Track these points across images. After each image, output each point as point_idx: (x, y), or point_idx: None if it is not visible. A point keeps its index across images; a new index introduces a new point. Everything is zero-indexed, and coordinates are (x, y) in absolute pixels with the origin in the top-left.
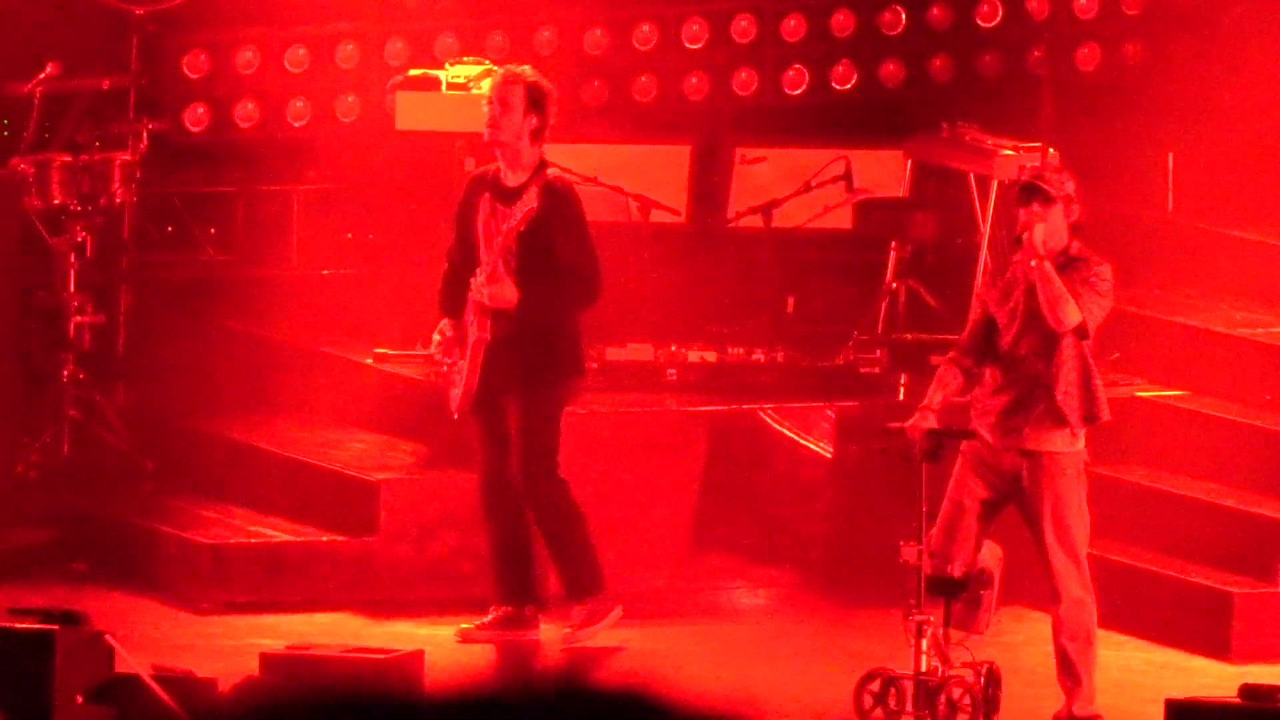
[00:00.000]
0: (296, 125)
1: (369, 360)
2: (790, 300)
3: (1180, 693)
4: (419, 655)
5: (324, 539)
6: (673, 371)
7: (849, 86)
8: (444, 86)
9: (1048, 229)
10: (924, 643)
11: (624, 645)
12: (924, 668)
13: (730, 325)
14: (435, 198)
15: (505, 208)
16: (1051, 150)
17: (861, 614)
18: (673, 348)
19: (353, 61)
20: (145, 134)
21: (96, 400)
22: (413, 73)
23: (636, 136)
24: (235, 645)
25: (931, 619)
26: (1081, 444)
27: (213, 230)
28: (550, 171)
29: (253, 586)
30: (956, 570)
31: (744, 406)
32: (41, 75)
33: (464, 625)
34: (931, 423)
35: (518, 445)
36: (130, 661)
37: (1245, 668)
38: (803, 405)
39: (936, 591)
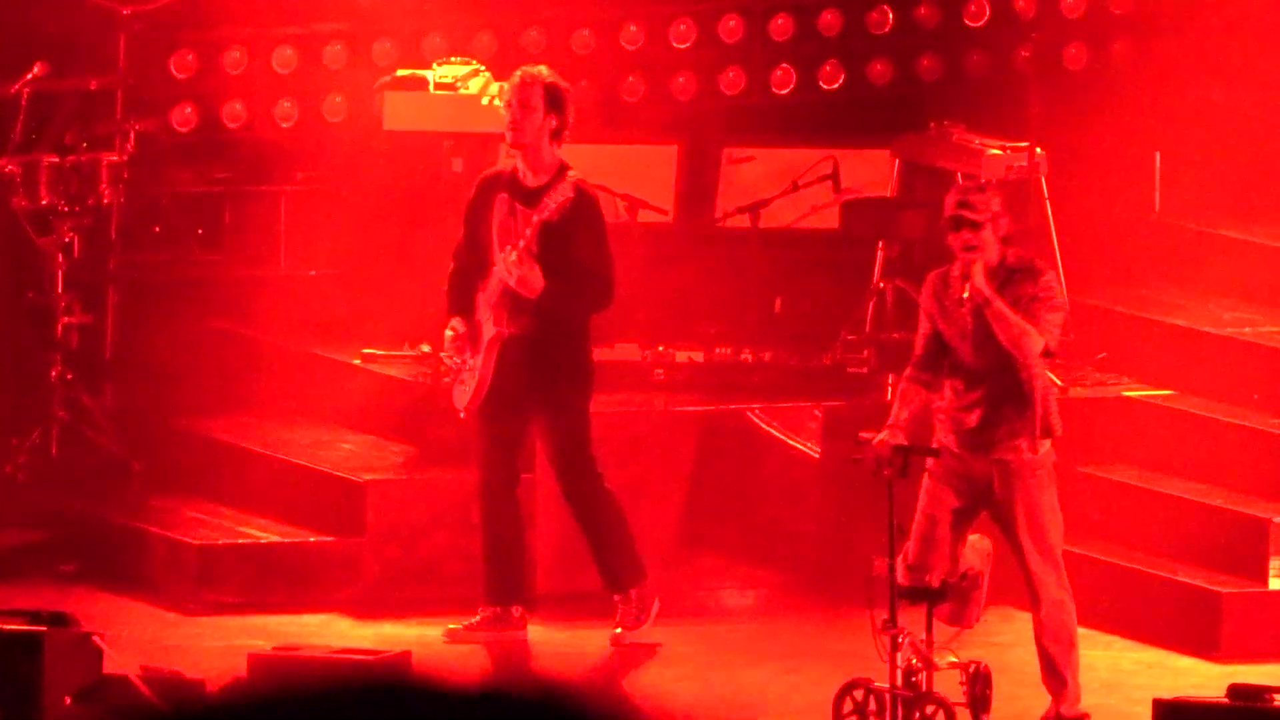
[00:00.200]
0: (284, 125)
1: (357, 361)
2: (778, 300)
3: (1168, 692)
4: (407, 656)
5: (312, 540)
6: (660, 371)
7: (836, 86)
8: (432, 87)
9: (982, 249)
10: (899, 656)
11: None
12: (900, 682)
13: (718, 325)
14: (423, 198)
15: (527, 208)
16: (1039, 150)
17: (849, 614)
18: (660, 348)
19: (340, 62)
20: (133, 134)
21: (84, 401)
22: (400, 73)
23: (624, 136)
24: (223, 646)
25: (906, 633)
26: (1049, 445)
27: (200, 231)
28: (571, 173)
29: (241, 587)
30: (934, 580)
31: (732, 407)
32: (29, 75)
33: (451, 626)
34: (900, 440)
35: (553, 445)
36: (119, 662)
37: (1233, 667)
38: (791, 405)
39: (917, 602)
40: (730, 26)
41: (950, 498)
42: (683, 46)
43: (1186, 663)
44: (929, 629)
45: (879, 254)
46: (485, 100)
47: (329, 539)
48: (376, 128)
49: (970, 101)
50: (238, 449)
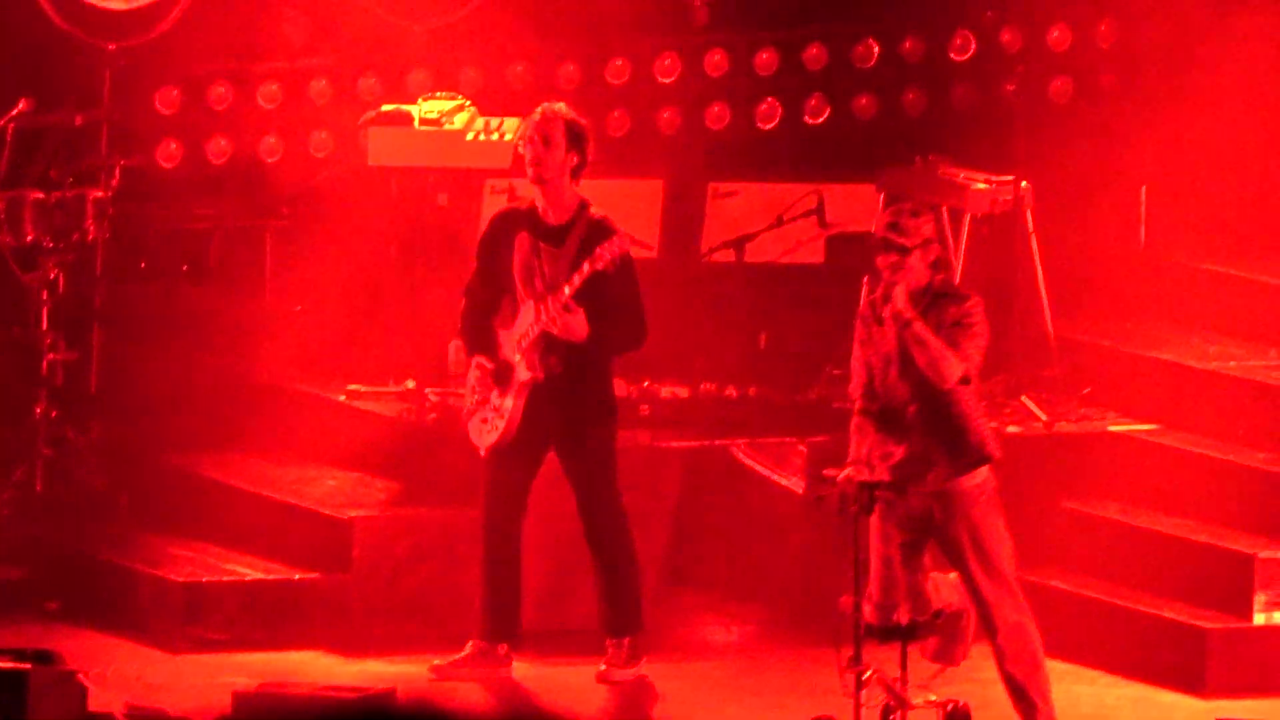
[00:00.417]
0: (269, 161)
1: (342, 397)
2: (763, 335)
3: None
4: (392, 692)
5: (297, 576)
6: (645, 407)
7: (822, 120)
8: (417, 122)
9: (908, 272)
10: (864, 694)
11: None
12: None
13: (703, 360)
14: (409, 233)
15: (551, 247)
16: (1025, 183)
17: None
18: (645, 383)
19: (325, 97)
20: (118, 170)
21: (70, 437)
22: (385, 108)
23: (609, 171)
24: (208, 683)
25: (871, 671)
26: (987, 471)
27: (186, 266)
28: (594, 210)
29: (226, 624)
30: (902, 617)
31: (717, 442)
32: (14, 111)
33: (437, 661)
34: (865, 476)
35: (580, 484)
36: (104, 700)
37: (1219, 702)
38: (776, 441)
39: (887, 640)
40: (715, 61)
41: (895, 533)
42: (668, 81)
43: (1171, 698)
44: (903, 666)
45: (864, 289)
46: (470, 136)
47: (314, 575)
48: (361, 163)
49: (956, 135)
50: (223, 485)
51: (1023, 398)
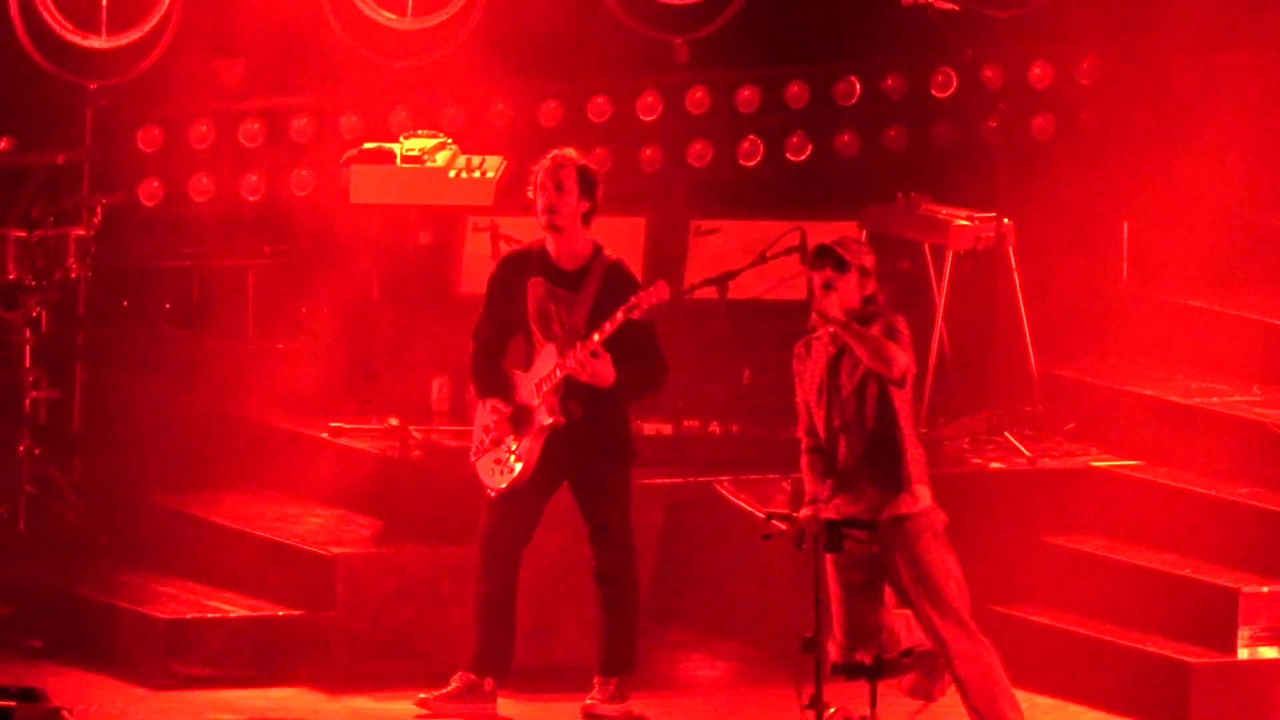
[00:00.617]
0: (251, 199)
1: (325, 434)
2: (746, 371)
3: None
4: None
5: (280, 614)
6: None
7: (804, 158)
8: (399, 160)
9: (840, 295)
10: None
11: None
12: None
13: (686, 397)
14: (391, 271)
15: (567, 291)
16: (1007, 220)
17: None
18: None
19: (307, 136)
20: (100, 208)
21: (52, 475)
22: (367, 146)
23: None
24: None
25: (834, 710)
26: (926, 502)
27: (168, 305)
28: (609, 253)
29: (210, 661)
30: (866, 656)
31: (700, 479)
32: None
33: (422, 695)
34: (831, 514)
35: (596, 523)
36: None
37: None
38: (759, 477)
39: (853, 678)
40: (697, 99)
41: (850, 572)
42: (649, 119)
43: None
44: (872, 705)
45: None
46: (452, 173)
47: (298, 613)
48: (344, 201)
49: (937, 172)
50: (206, 523)
51: (1006, 434)
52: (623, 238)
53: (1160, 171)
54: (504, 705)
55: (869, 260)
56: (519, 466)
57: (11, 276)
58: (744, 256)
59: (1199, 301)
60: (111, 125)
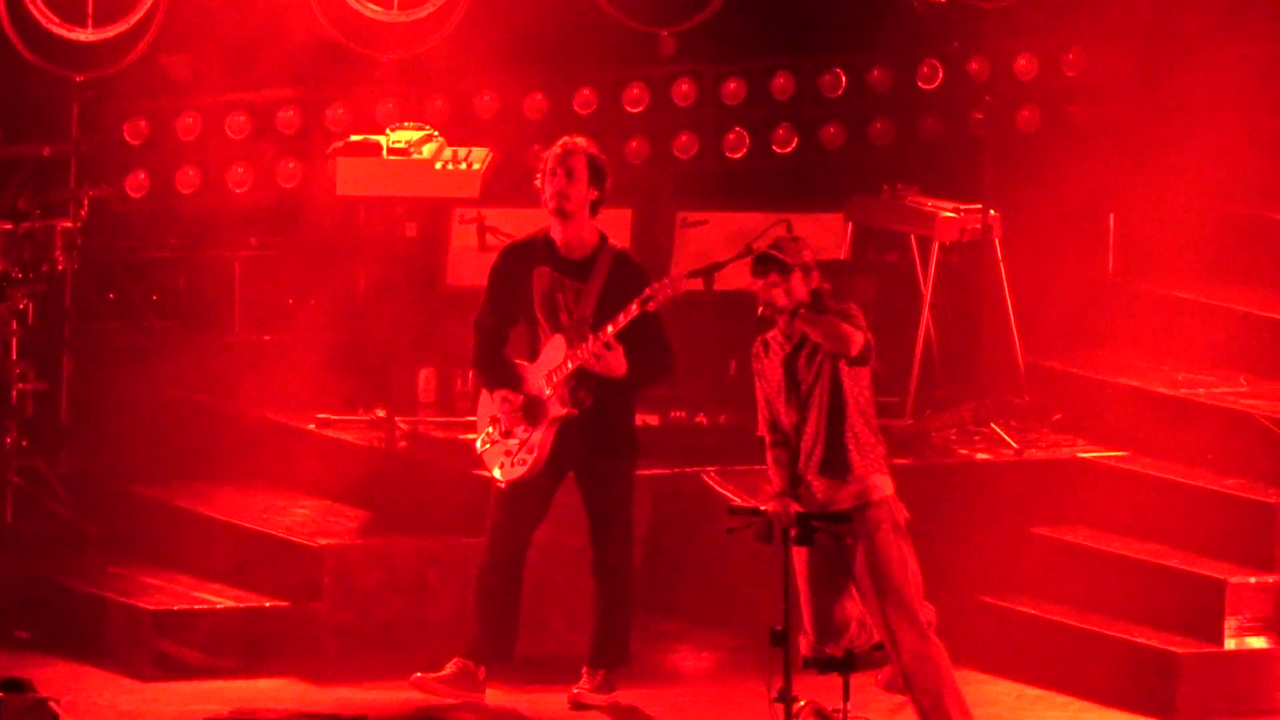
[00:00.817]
0: (238, 191)
1: (311, 426)
2: (733, 363)
3: None
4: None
5: (267, 605)
6: None
7: (790, 150)
8: (385, 152)
9: (788, 290)
10: None
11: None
12: None
13: (673, 389)
14: (377, 263)
15: (574, 281)
16: (993, 212)
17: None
18: None
19: (293, 127)
20: (86, 201)
21: (39, 467)
22: (354, 138)
23: None
24: (179, 712)
25: (803, 703)
26: (888, 492)
27: (155, 297)
28: (615, 243)
29: (197, 652)
30: (837, 649)
31: (687, 470)
32: None
33: (418, 674)
34: (800, 507)
35: (598, 513)
36: None
37: None
38: (746, 468)
39: (825, 672)
40: (683, 91)
41: (817, 564)
42: (635, 111)
43: None
44: (845, 698)
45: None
46: (438, 165)
47: (285, 604)
48: (330, 193)
49: (923, 164)
50: (193, 515)
51: (993, 425)
52: (609, 229)
53: (1147, 163)
54: (491, 694)
55: (808, 255)
56: (531, 458)
57: None
58: (730, 248)
59: (1185, 293)
60: (98, 117)
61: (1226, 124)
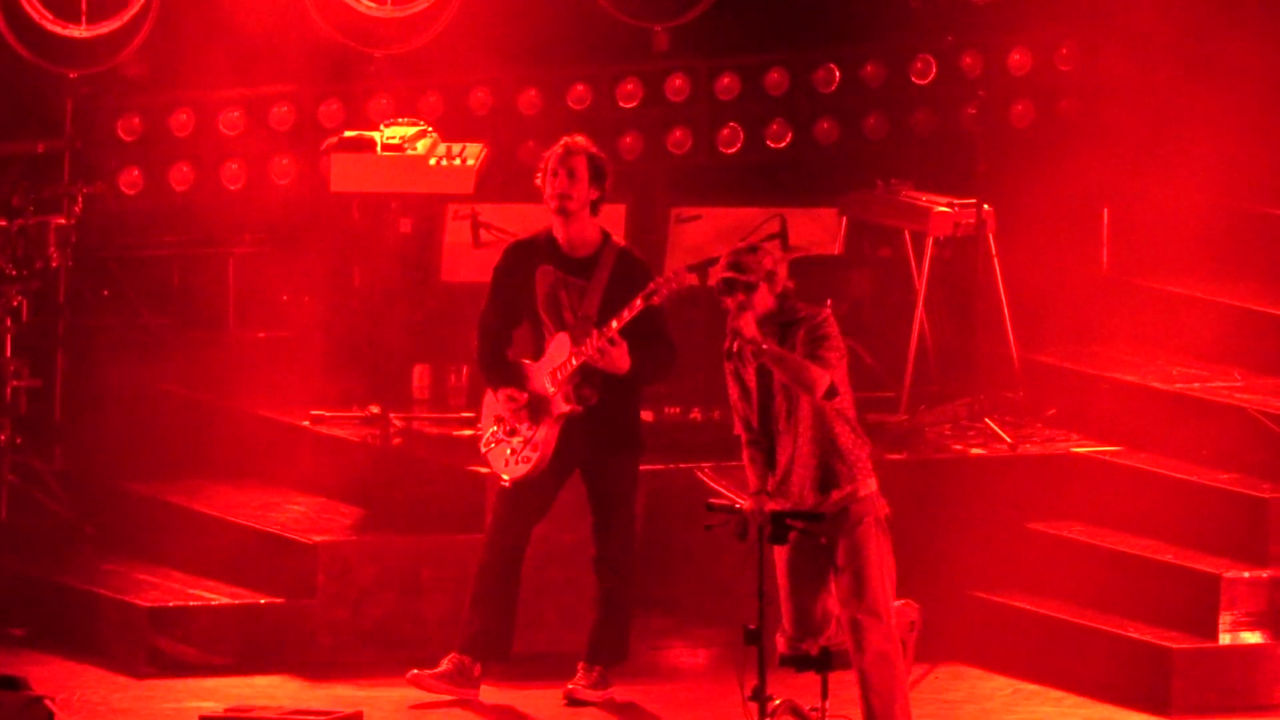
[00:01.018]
0: (232, 188)
1: (306, 422)
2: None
3: None
4: (359, 716)
5: (262, 602)
6: None
7: (783, 145)
8: (379, 148)
9: (757, 310)
10: None
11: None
12: None
13: (666, 384)
14: (371, 259)
15: (578, 279)
16: (987, 206)
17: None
18: None
19: (287, 124)
20: (80, 197)
21: (34, 465)
22: (348, 134)
23: None
24: (174, 708)
25: (778, 701)
26: (871, 490)
27: (149, 293)
28: (617, 240)
29: (192, 649)
30: (813, 647)
31: (681, 466)
32: None
33: (414, 671)
34: (776, 506)
35: (601, 509)
36: None
37: None
38: (740, 464)
39: (802, 670)
40: (676, 87)
41: (798, 561)
42: (630, 106)
43: (1137, 719)
44: (823, 696)
45: (828, 308)
46: (432, 161)
47: (279, 601)
48: (324, 189)
49: (917, 159)
50: (188, 511)
51: (987, 420)
52: (603, 225)
53: (1140, 158)
54: (486, 691)
55: (769, 262)
56: (535, 456)
57: None
58: (724, 243)
59: (1180, 287)
60: (92, 114)
61: (1222, 118)
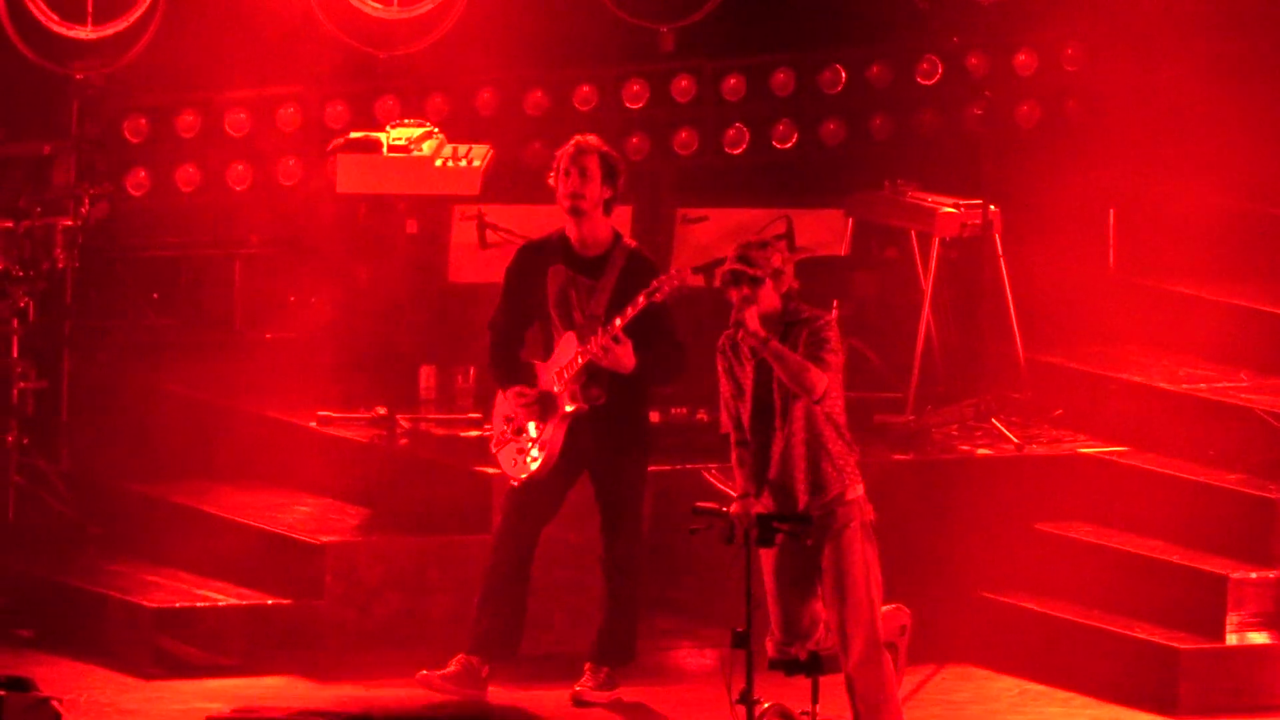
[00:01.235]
0: (238, 189)
1: (313, 423)
2: None
3: None
4: (367, 715)
5: (269, 602)
6: None
7: (790, 146)
8: (385, 149)
9: (761, 303)
10: None
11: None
12: None
13: (673, 385)
14: (377, 261)
15: (588, 279)
16: (993, 207)
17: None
18: None
19: (293, 125)
20: (87, 199)
21: (41, 466)
22: (354, 135)
23: None
24: (181, 709)
25: (767, 705)
26: (858, 494)
27: (155, 295)
28: (628, 240)
29: (199, 650)
30: (801, 651)
31: (687, 467)
32: None
33: (424, 672)
34: (762, 508)
35: (609, 509)
36: None
37: None
38: None
39: (791, 674)
40: (682, 88)
41: (786, 565)
42: (635, 108)
43: (1144, 719)
44: (814, 700)
45: (833, 313)
46: (439, 162)
47: (286, 601)
48: (330, 191)
49: (923, 160)
50: (194, 512)
51: (993, 420)
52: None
53: (1147, 158)
54: (493, 692)
55: (778, 259)
56: (542, 455)
57: None
58: (730, 244)
59: (1186, 288)
60: (98, 115)
61: (1229, 119)
